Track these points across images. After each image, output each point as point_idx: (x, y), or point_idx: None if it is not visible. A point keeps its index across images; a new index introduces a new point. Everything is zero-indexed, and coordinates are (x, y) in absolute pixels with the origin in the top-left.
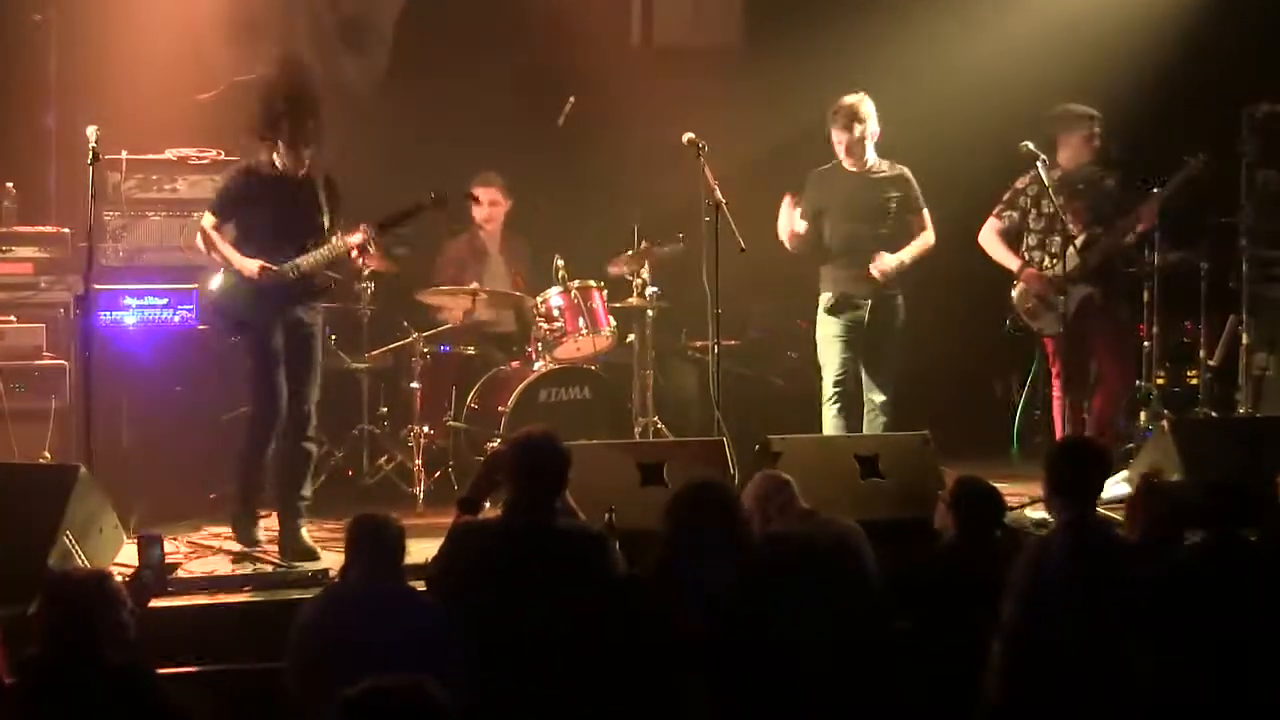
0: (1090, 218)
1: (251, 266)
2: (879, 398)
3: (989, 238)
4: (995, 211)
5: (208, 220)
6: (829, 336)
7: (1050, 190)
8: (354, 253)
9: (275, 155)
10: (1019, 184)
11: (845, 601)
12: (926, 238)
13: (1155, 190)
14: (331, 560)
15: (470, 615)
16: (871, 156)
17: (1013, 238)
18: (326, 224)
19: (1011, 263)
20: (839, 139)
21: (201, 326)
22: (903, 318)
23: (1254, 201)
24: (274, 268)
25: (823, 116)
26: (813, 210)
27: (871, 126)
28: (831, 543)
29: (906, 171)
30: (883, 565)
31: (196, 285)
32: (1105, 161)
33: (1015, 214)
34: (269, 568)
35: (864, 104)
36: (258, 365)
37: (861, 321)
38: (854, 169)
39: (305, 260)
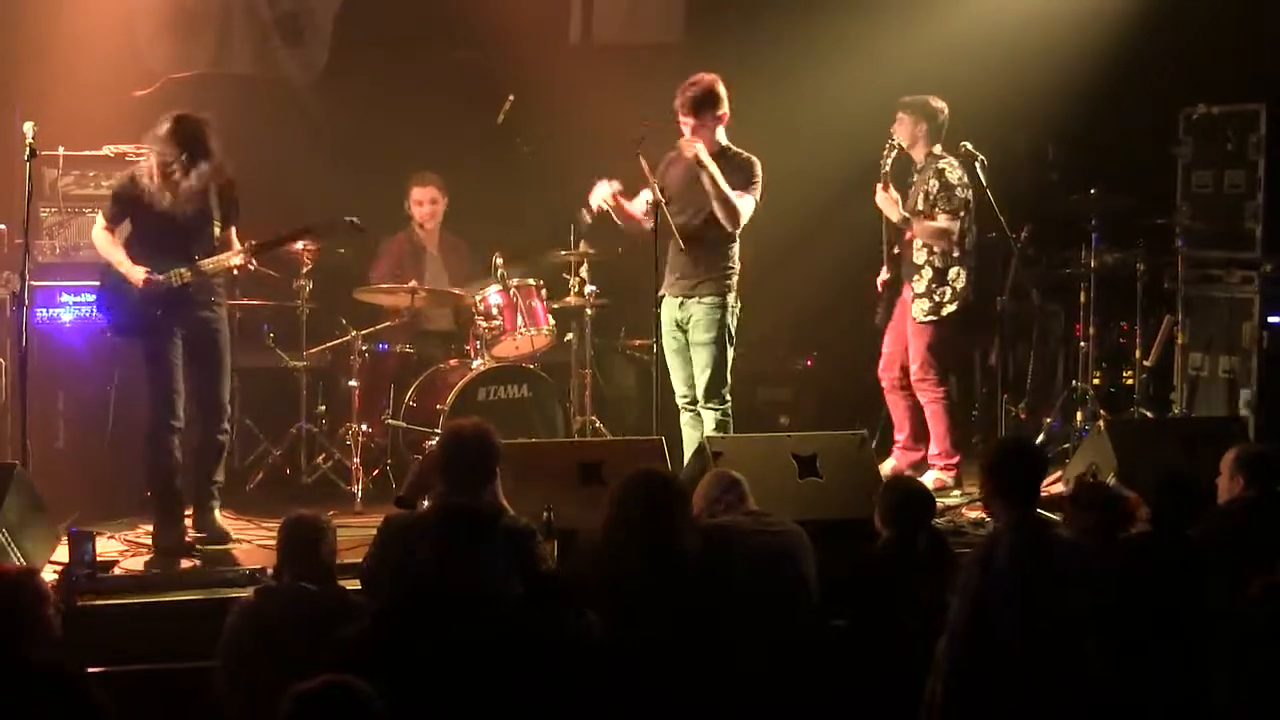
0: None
1: (137, 274)
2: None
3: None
4: None
5: (99, 222)
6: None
7: (986, 190)
8: (234, 271)
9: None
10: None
11: (777, 601)
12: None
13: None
14: (267, 559)
15: (402, 607)
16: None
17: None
18: (218, 232)
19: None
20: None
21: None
22: None
23: (1190, 203)
24: (158, 277)
25: (761, 111)
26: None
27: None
28: (769, 541)
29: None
30: (821, 564)
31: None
32: (956, 154)
33: None
34: (201, 565)
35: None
36: (154, 371)
37: None
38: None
39: (189, 270)
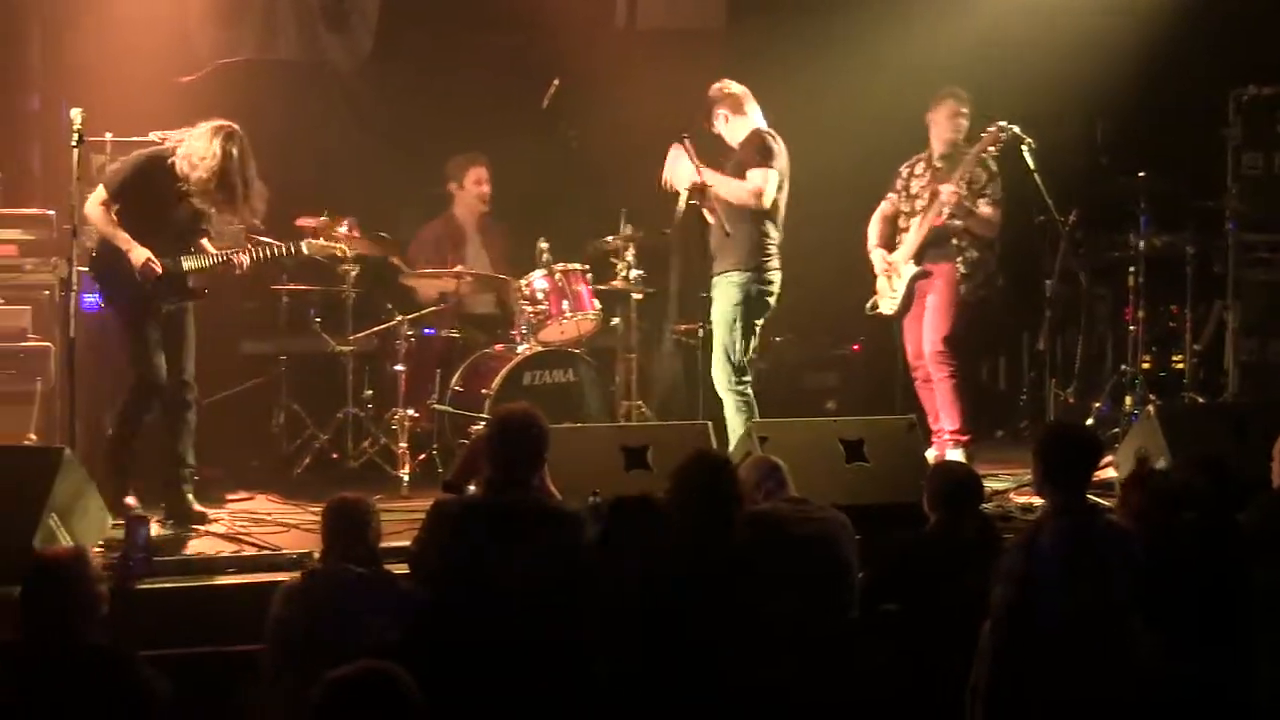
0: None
1: (139, 257)
2: None
3: (873, 219)
4: (886, 194)
5: (99, 195)
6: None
7: (1034, 173)
8: (236, 270)
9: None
10: (901, 168)
11: (820, 586)
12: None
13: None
14: (314, 543)
15: (448, 592)
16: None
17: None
18: (212, 230)
19: (871, 243)
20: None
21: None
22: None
23: (1240, 185)
24: (156, 264)
25: (803, 97)
26: None
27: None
28: (811, 528)
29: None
30: (869, 549)
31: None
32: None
33: (895, 196)
34: (249, 549)
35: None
36: (133, 339)
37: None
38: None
39: (189, 263)
